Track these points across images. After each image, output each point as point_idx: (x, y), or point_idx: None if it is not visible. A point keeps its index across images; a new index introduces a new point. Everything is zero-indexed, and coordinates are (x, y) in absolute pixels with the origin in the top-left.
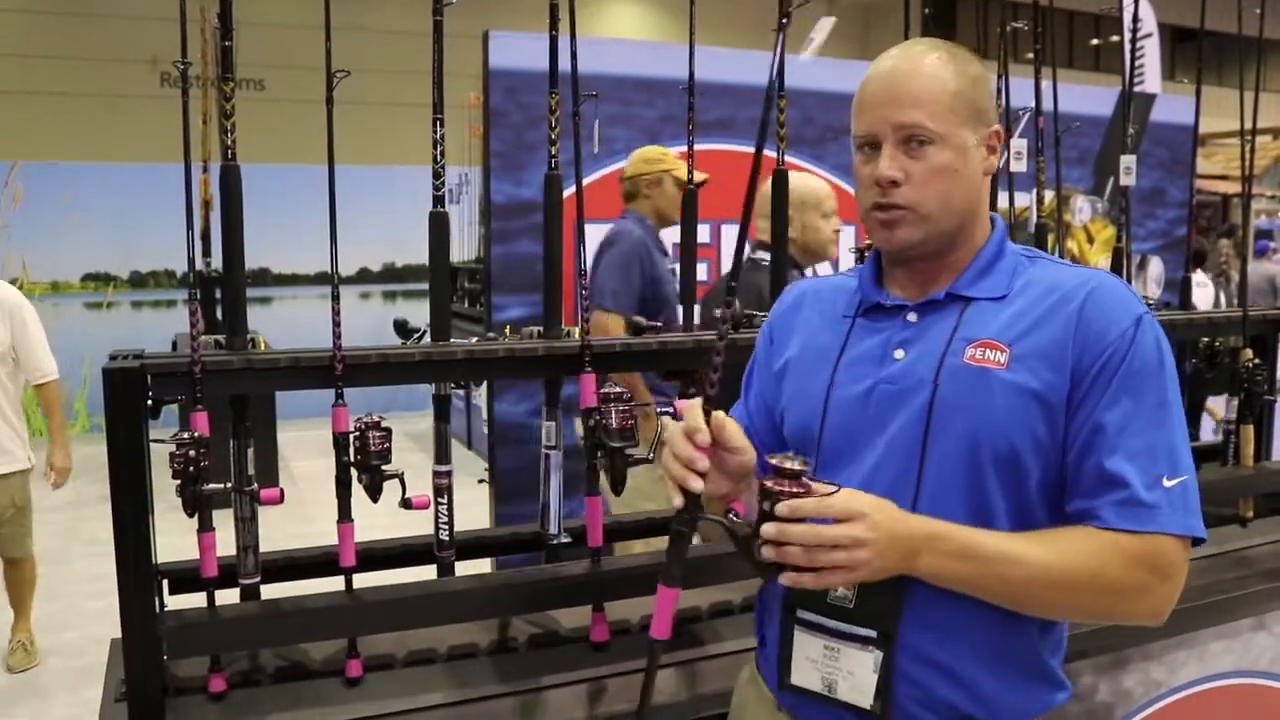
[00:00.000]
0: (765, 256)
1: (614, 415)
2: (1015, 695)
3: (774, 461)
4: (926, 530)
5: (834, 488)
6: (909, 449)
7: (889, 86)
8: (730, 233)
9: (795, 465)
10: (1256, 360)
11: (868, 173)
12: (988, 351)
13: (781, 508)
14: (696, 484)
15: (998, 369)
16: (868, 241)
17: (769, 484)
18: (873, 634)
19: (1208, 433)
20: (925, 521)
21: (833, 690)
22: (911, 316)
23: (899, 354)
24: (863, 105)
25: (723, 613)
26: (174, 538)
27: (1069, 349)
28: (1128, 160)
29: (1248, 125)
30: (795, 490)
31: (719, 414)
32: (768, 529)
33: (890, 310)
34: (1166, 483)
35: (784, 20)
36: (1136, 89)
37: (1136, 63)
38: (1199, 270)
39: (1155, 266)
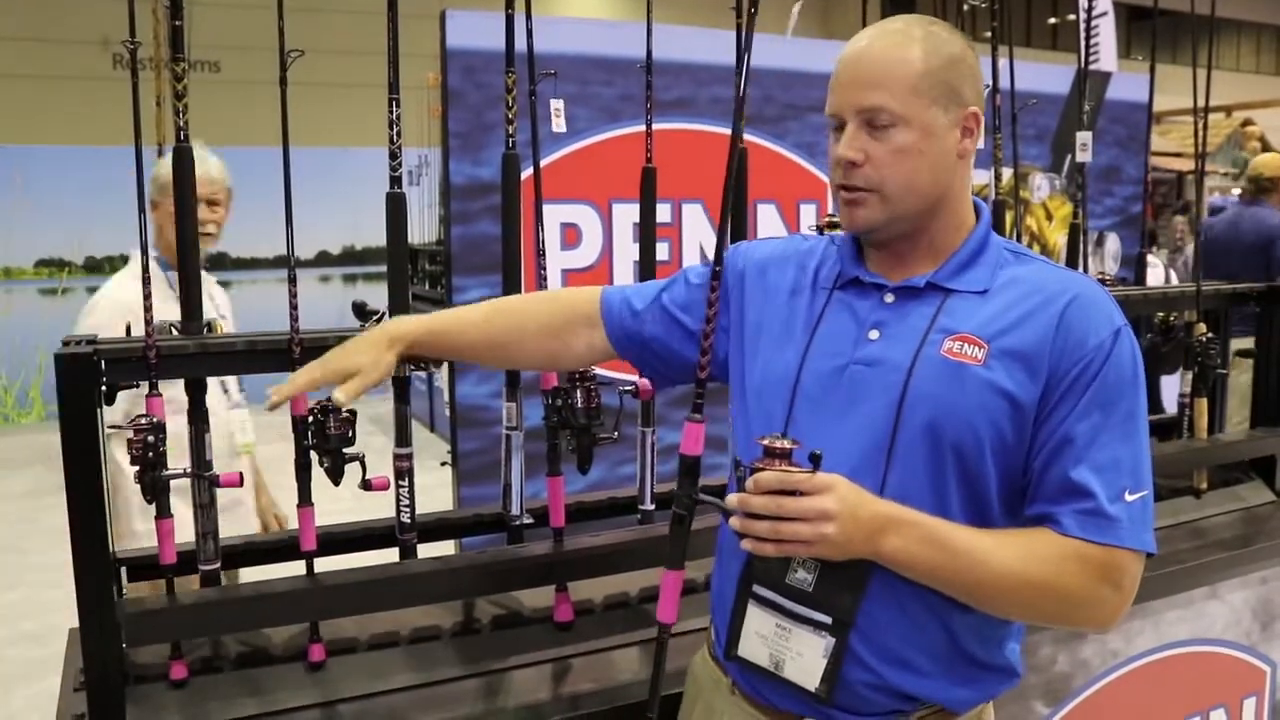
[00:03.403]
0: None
1: (580, 395)
2: (967, 684)
3: (764, 442)
4: (894, 513)
5: (810, 468)
6: (878, 434)
7: (854, 67)
8: (690, 211)
9: (785, 444)
10: (1210, 335)
11: (833, 152)
12: (966, 346)
13: (748, 482)
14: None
15: (975, 365)
16: (827, 218)
17: (755, 464)
18: (828, 620)
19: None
20: (894, 506)
21: (779, 668)
22: (889, 298)
23: (874, 334)
24: (832, 86)
25: (690, 590)
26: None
27: (1046, 354)
28: (1084, 137)
29: (1201, 103)
30: (778, 469)
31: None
32: (730, 499)
33: (868, 287)
34: (1129, 497)
35: (752, 11)
36: (1092, 67)
37: (1092, 41)
38: (1151, 251)
39: (1112, 243)
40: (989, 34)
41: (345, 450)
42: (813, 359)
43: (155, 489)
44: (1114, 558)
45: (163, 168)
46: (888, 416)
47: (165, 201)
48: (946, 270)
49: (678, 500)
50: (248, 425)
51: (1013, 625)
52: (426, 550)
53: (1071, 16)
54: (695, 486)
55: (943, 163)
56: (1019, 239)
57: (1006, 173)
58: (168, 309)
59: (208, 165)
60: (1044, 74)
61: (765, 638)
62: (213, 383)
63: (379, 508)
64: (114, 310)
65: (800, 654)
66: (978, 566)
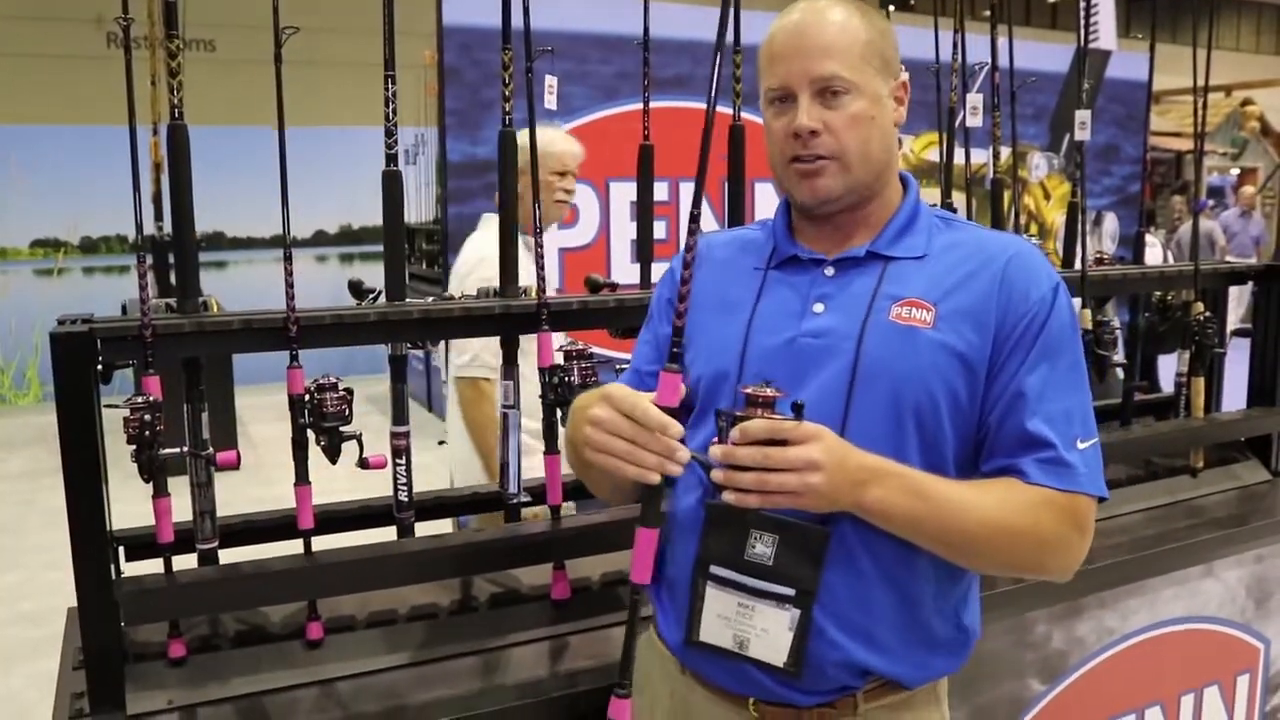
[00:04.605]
0: None
1: (577, 373)
2: (921, 659)
3: (748, 391)
4: (878, 465)
5: (793, 417)
6: (833, 404)
7: (801, 39)
8: (688, 190)
9: (769, 393)
10: (1207, 314)
11: (781, 125)
12: (914, 310)
13: (734, 432)
14: (677, 469)
15: (924, 328)
16: None
17: (736, 412)
18: (790, 592)
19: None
20: (877, 458)
21: (744, 647)
22: (829, 271)
23: (818, 308)
24: (773, 58)
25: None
26: (132, 505)
27: (992, 311)
28: (1083, 115)
29: (1200, 82)
30: (763, 418)
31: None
32: (714, 450)
33: (805, 263)
34: (1081, 445)
35: None
36: (1092, 45)
37: (1092, 19)
38: (1149, 230)
39: (1110, 222)
40: (988, 12)
41: (342, 429)
42: (756, 334)
43: (151, 468)
44: (1076, 503)
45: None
46: (841, 384)
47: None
48: (884, 238)
49: None
50: None
51: (968, 594)
52: (424, 529)
53: None
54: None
55: (889, 130)
56: (1017, 218)
57: (1005, 151)
58: (526, 271)
59: (562, 142)
60: (1043, 52)
61: (728, 619)
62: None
63: (376, 487)
64: (493, 264)
65: (765, 630)
66: (958, 515)
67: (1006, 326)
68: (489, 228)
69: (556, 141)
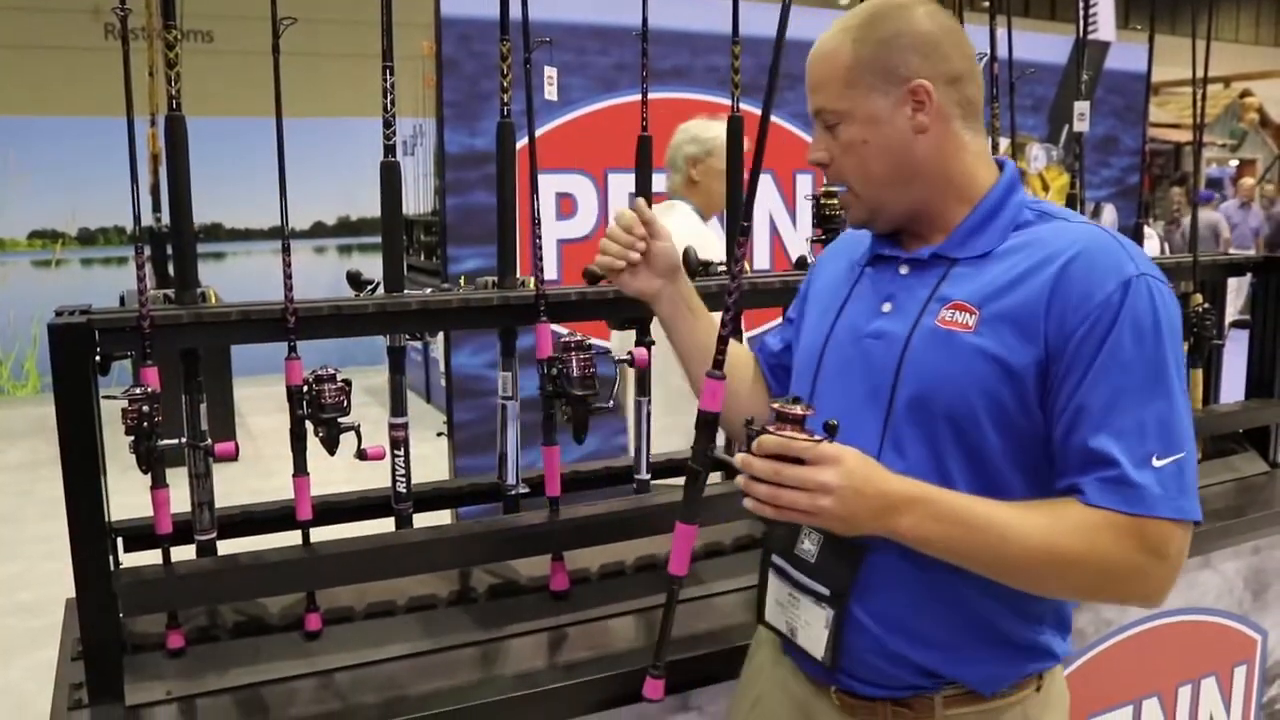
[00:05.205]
0: None
1: (575, 364)
2: (986, 659)
3: (776, 406)
4: (906, 491)
5: (820, 437)
6: (878, 406)
7: (807, 73)
8: None
9: (798, 410)
10: (1206, 305)
11: None
12: (958, 314)
13: (754, 443)
14: (620, 265)
15: (964, 332)
16: (822, 189)
17: (762, 426)
18: (826, 591)
19: None
20: (909, 483)
21: (794, 635)
22: (903, 269)
23: (886, 307)
24: None
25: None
26: (131, 496)
27: (1041, 316)
28: (1081, 106)
29: (1199, 74)
30: (785, 434)
31: (644, 207)
32: (736, 458)
33: (888, 260)
34: (1157, 462)
35: None
36: (1091, 36)
37: (1091, 10)
38: (1148, 222)
39: (1109, 214)
40: (987, 3)
41: (341, 420)
42: (838, 331)
43: (150, 459)
44: (1147, 527)
45: (706, 130)
46: (885, 389)
47: (708, 160)
48: (953, 240)
49: (694, 455)
50: None
51: (1047, 601)
52: (422, 520)
53: None
54: (712, 443)
55: (896, 144)
56: None
57: (1004, 143)
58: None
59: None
60: (1041, 43)
61: (782, 606)
62: None
63: (375, 478)
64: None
65: (808, 623)
66: (998, 542)
67: (1063, 333)
68: (673, 214)
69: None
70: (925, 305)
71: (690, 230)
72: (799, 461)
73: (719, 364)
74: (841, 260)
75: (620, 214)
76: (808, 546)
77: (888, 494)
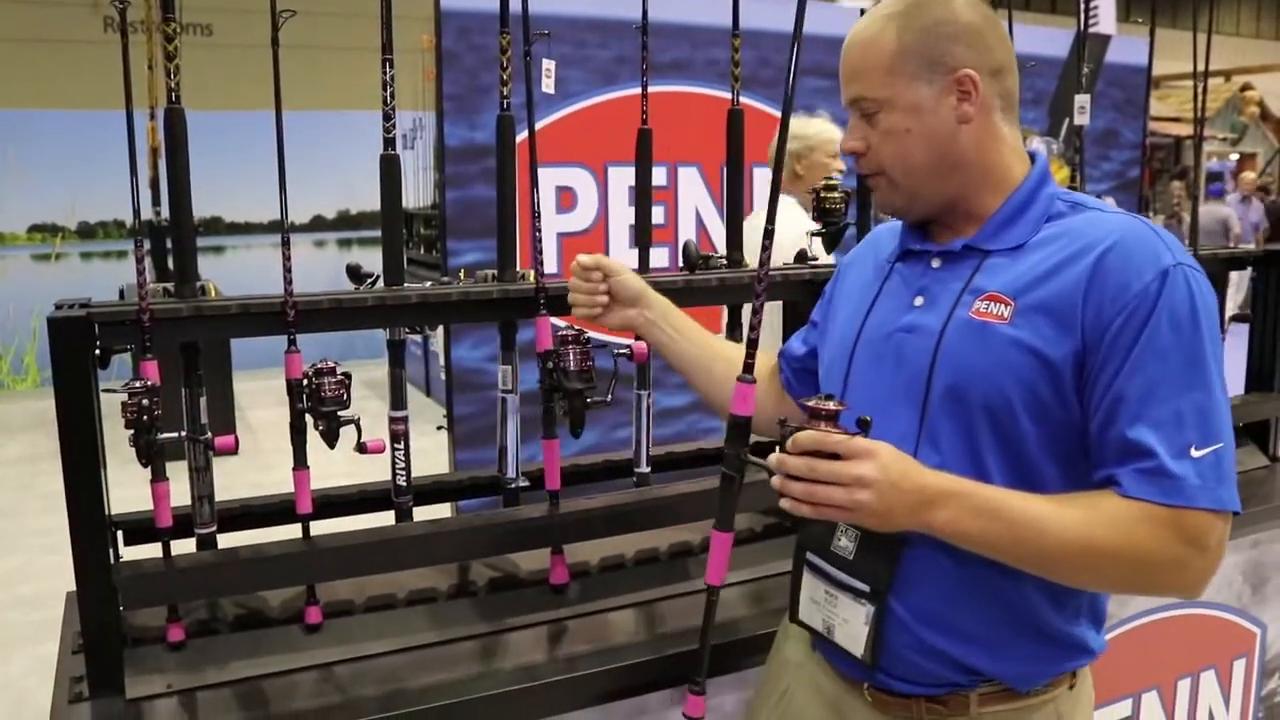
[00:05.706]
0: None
1: (572, 357)
2: (1025, 655)
3: (809, 404)
4: (942, 485)
5: (855, 433)
6: (913, 400)
7: (843, 60)
8: (686, 174)
9: (831, 406)
10: None
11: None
12: (992, 305)
13: (789, 441)
14: (596, 311)
15: (999, 323)
16: (824, 181)
17: (797, 424)
18: (866, 588)
19: None
20: (943, 477)
21: (830, 633)
22: (935, 263)
23: (918, 301)
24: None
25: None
26: (131, 490)
27: (1078, 306)
28: (1082, 99)
29: (1200, 67)
30: (819, 430)
31: (593, 255)
32: (771, 458)
33: (919, 255)
34: (1195, 453)
35: None
36: (1091, 30)
37: (1091, 4)
38: (1148, 216)
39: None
40: None
41: (340, 413)
42: (869, 328)
43: (149, 452)
44: (1185, 518)
45: (806, 128)
46: (921, 380)
47: (811, 155)
48: (986, 231)
49: (726, 460)
50: None
51: (1083, 596)
52: (422, 514)
53: None
54: (745, 446)
55: (940, 133)
56: None
57: None
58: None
59: (832, 129)
60: (1042, 37)
61: (818, 604)
62: None
63: (374, 471)
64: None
65: (846, 620)
66: (1037, 535)
67: (1101, 324)
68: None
69: (827, 129)
70: (959, 297)
71: (797, 223)
72: (834, 457)
73: (749, 368)
74: (868, 261)
75: (575, 264)
76: (845, 543)
77: (924, 488)
